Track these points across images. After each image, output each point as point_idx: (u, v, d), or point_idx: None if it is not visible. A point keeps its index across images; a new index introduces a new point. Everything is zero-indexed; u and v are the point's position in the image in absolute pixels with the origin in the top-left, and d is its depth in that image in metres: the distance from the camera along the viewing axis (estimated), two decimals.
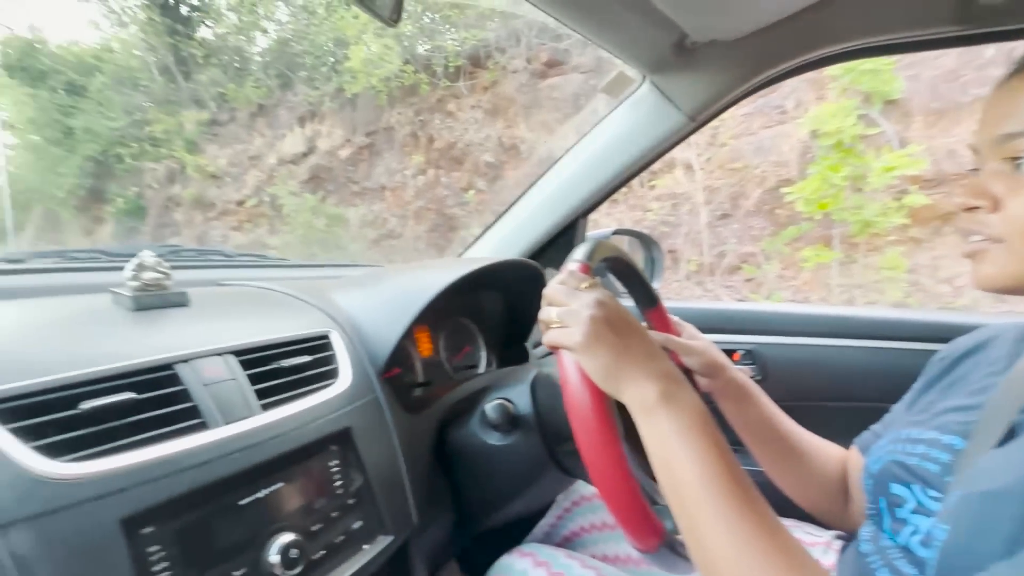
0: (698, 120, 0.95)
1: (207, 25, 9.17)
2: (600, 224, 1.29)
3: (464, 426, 0.75)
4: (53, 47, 10.77)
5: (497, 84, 5.54)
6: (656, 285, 1.42)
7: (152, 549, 0.39)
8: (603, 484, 0.46)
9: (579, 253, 0.58)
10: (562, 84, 5.16)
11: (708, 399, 0.81)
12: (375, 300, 0.74)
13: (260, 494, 0.47)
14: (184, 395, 0.47)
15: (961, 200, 0.49)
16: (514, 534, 0.87)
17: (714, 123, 1.01)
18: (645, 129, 0.99)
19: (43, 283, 0.67)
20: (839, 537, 0.77)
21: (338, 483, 0.55)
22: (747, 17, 0.77)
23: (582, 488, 0.91)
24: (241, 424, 0.48)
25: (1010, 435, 0.47)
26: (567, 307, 0.51)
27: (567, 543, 0.88)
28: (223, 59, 8.42)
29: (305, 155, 7.05)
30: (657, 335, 0.82)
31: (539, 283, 1.00)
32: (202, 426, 0.46)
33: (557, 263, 1.25)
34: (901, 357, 1.00)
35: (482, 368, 1.05)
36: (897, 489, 0.56)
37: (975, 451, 0.49)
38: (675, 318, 0.83)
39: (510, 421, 0.71)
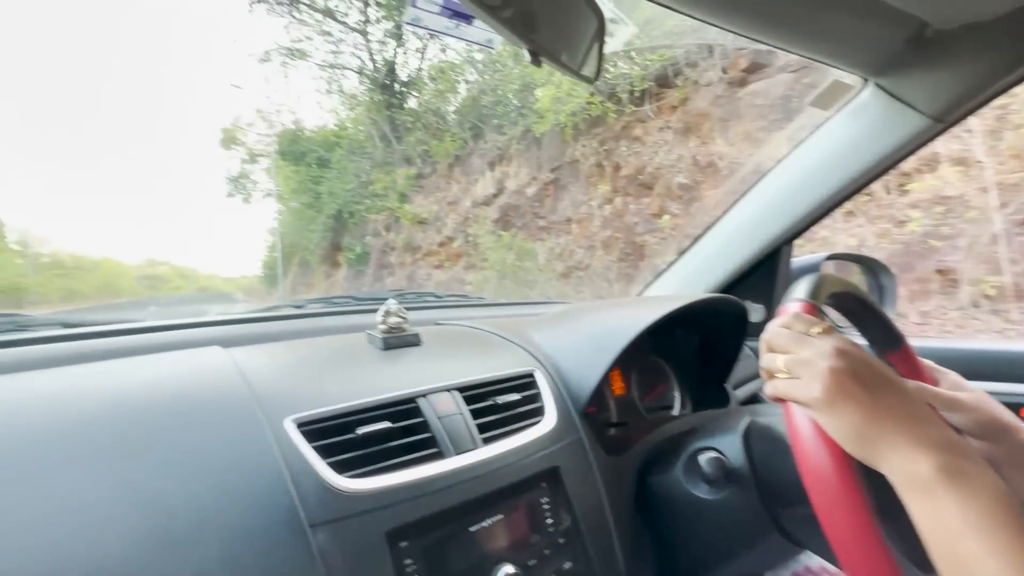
0: (947, 120, 0.78)
1: (414, 95, 11.20)
2: (832, 243, 1.13)
3: (667, 473, 0.72)
4: (308, 132, 14.42)
5: (688, 101, 5.33)
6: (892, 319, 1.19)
7: (407, 562, 0.46)
8: (853, 566, 0.40)
9: (801, 290, 0.51)
10: (766, 89, 4.68)
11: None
12: (573, 339, 0.76)
13: (486, 523, 0.52)
14: (424, 426, 0.54)
15: None
16: None
17: (999, 101, 0.79)
18: (871, 138, 0.85)
19: (313, 325, 0.85)
20: None
21: (549, 521, 0.57)
22: None
23: (808, 560, 0.78)
24: (468, 456, 0.54)
25: None
26: (797, 355, 0.44)
27: None
28: (427, 120, 10.09)
29: (495, 195, 7.78)
30: (909, 384, 0.67)
31: (741, 321, 0.92)
32: (439, 455, 0.52)
33: (756, 297, 1.13)
34: None
35: (676, 409, 1.00)
36: None
37: None
38: (929, 363, 0.68)
39: (724, 474, 0.65)
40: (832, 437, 0.41)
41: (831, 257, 1.20)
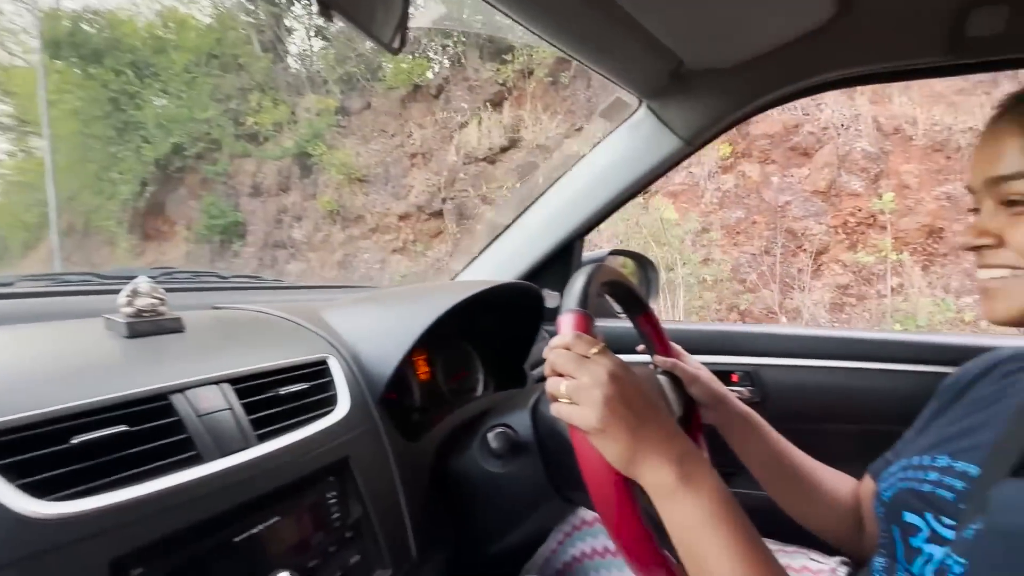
0: (695, 144, 0.97)
1: None
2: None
3: (464, 453, 0.74)
4: (111, 19, 8.64)
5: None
6: (651, 306, 1.42)
7: None
8: (633, 558, 0.47)
9: (572, 300, 0.54)
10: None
11: (713, 429, 0.80)
12: (374, 323, 0.73)
13: (255, 530, 0.46)
14: (178, 427, 0.45)
15: (964, 240, 0.50)
16: (514, 562, 0.85)
17: None
18: (642, 152, 1.00)
19: (33, 308, 0.66)
20: (844, 563, 0.76)
21: (336, 516, 0.54)
22: (742, 46, 0.79)
23: (583, 513, 0.89)
24: (237, 457, 0.46)
25: None
26: (577, 381, 0.48)
27: (567, 569, 0.87)
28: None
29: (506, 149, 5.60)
30: (665, 361, 0.81)
31: (538, 306, 0.99)
32: (197, 459, 0.44)
33: (554, 285, 1.25)
34: (908, 380, 0.99)
35: (480, 391, 1.04)
36: (910, 517, 0.55)
37: (989, 478, 0.49)
38: (677, 347, 0.83)
39: (511, 448, 0.70)
40: (606, 459, 0.46)
41: (613, 252, 1.39)
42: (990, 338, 0.99)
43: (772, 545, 0.81)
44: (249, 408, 0.51)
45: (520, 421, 0.72)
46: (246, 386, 0.53)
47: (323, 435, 0.55)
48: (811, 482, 0.76)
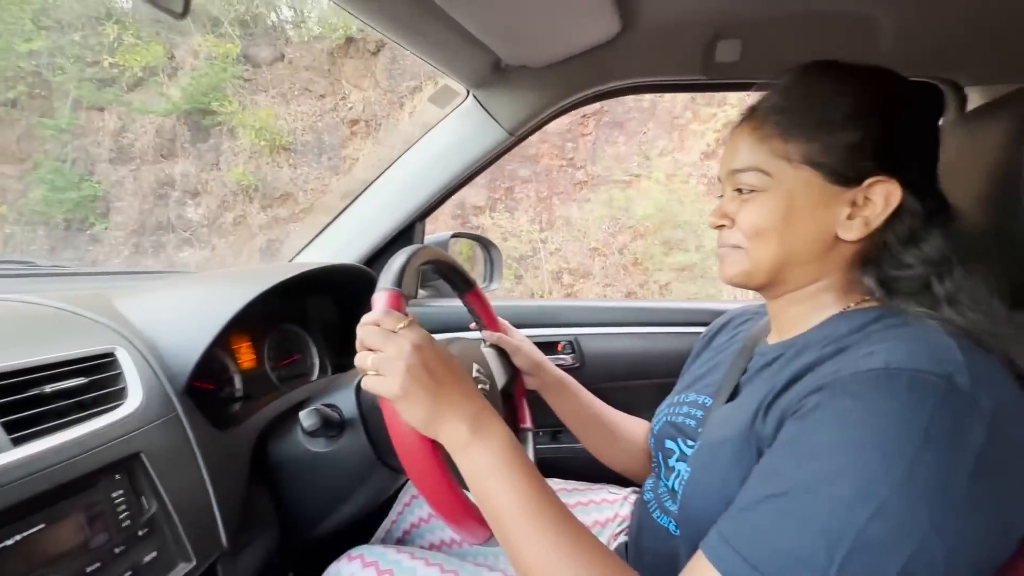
0: (517, 135, 1.05)
1: None
2: None
3: (287, 437, 0.74)
4: None
5: None
6: (495, 285, 1.51)
7: None
8: (444, 512, 0.51)
9: (387, 279, 0.57)
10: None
11: (535, 392, 0.90)
12: (176, 310, 0.68)
13: (9, 542, 0.42)
14: None
15: (711, 220, 0.61)
16: (360, 534, 0.87)
17: None
18: (471, 140, 1.06)
19: None
20: (635, 491, 0.92)
21: (124, 515, 0.51)
22: (548, 49, 0.88)
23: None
24: None
25: (735, 394, 0.61)
26: (384, 354, 0.51)
27: (406, 537, 0.91)
28: None
29: None
30: (491, 335, 0.88)
31: (372, 288, 1.00)
32: None
33: None
34: (686, 339, 1.21)
35: (315, 376, 1.03)
36: (669, 444, 0.69)
37: (715, 407, 0.62)
38: (503, 322, 0.91)
39: (336, 425, 0.71)
40: (411, 424, 0.50)
41: (456, 235, 1.44)
42: (734, 302, 1.24)
43: (580, 485, 0.96)
44: (4, 410, 0.46)
45: (344, 399, 0.73)
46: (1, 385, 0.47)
47: (106, 432, 0.51)
48: (615, 431, 0.90)
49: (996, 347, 0.45)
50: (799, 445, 0.43)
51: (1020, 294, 0.53)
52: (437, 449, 0.52)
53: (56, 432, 0.48)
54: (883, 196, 0.51)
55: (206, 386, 0.76)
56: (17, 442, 0.45)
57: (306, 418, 0.64)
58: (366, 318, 0.54)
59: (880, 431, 0.39)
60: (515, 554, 0.48)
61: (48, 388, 0.49)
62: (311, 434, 0.70)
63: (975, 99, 0.93)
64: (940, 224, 0.52)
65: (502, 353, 0.89)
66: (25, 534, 0.43)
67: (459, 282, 0.85)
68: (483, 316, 0.90)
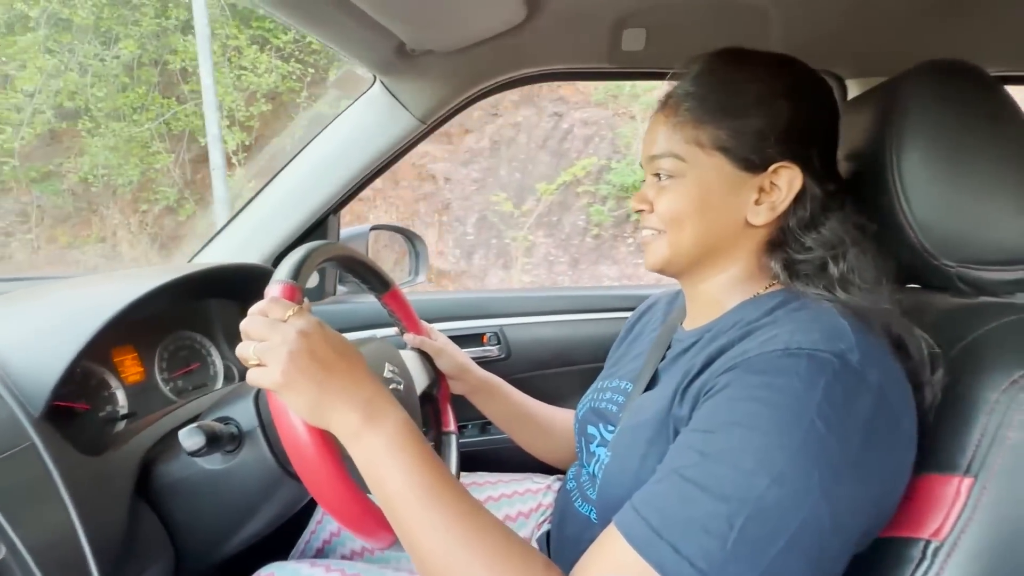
0: (428, 123, 1.01)
1: None
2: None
3: (178, 456, 0.67)
4: None
5: None
6: (420, 278, 1.47)
7: None
8: (338, 514, 0.48)
9: (282, 271, 0.53)
10: None
11: (462, 397, 0.88)
12: (28, 326, 0.60)
13: None
14: None
15: (633, 205, 0.62)
16: (283, 550, 0.82)
17: None
18: (381, 128, 1.01)
19: None
20: (559, 479, 0.93)
21: None
22: (454, 34, 0.85)
23: None
24: None
25: (655, 380, 0.62)
26: (267, 343, 0.47)
27: (325, 547, 0.87)
28: None
29: None
30: (413, 339, 0.85)
31: None
32: None
33: None
34: (612, 325, 1.23)
35: (220, 384, 0.95)
36: (591, 429, 0.69)
37: (636, 393, 0.63)
38: (425, 324, 0.88)
39: (232, 439, 0.65)
40: (296, 413, 0.47)
41: (375, 227, 1.38)
42: (657, 288, 1.29)
43: (504, 476, 0.95)
44: None
45: (243, 410, 0.68)
46: None
47: None
48: (546, 427, 0.90)
49: (880, 321, 0.48)
50: (708, 421, 0.45)
51: (903, 272, 0.57)
52: (329, 441, 0.48)
53: None
54: (787, 181, 0.53)
55: (79, 406, 0.68)
56: None
57: (187, 438, 0.58)
58: (253, 308, 0.51)
59: (779, 406, 0.41)
60: (411, 546, 0.46)
61: None
62: (196, 454, 0.63)
63: (854, 91, 1.00)
64: (837, 208, 0.55)
65: (425, 357, 0.86)
66: None
67: (375, 282, 0.81)
68: (403, 318, 0.86)
